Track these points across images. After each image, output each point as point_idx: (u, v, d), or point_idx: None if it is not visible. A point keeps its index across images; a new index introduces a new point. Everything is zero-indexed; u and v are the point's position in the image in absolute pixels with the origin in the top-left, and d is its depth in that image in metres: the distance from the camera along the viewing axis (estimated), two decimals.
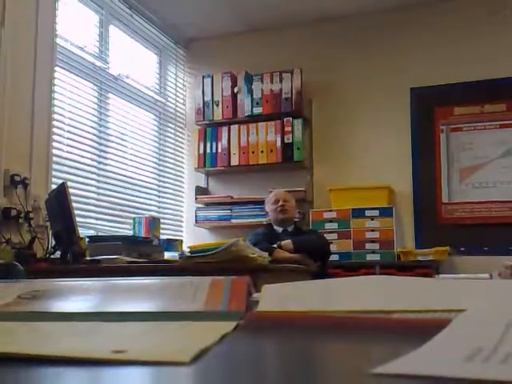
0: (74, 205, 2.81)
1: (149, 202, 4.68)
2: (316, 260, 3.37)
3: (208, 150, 4.79)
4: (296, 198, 4.05)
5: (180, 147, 5.12)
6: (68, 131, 3.81)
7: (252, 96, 4.70)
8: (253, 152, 4.65)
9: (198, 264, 2.41)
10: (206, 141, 4.81)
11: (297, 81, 4.59)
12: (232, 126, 4.73)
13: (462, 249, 4.28)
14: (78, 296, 0.65)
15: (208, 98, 4.81)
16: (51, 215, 2.88)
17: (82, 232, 3.19)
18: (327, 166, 4.69)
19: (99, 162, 4.15)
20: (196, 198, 4.86)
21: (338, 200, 4.44)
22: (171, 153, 5.01)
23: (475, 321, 0.42)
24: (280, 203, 3.69)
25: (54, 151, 3.57)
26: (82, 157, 3.96)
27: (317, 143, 4.75)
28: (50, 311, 0.60)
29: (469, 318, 0.43)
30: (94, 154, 4.10)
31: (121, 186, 4.33)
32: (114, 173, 4.27)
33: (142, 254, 2.82)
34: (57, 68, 3.62)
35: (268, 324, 0.53)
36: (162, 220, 3.95)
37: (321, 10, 4.63)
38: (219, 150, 4.75)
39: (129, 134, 4.50)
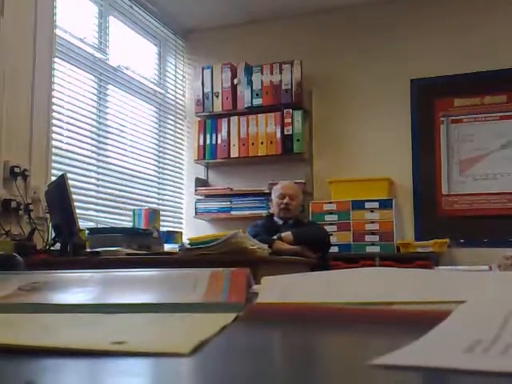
0: (74, 196, 2.81)
1: (148, 193, 4.68)
2: (316, 252, 3.37)
3: (208, 142, 4.78)
4: None
5: (180, 139, 5.11)
6: (67, 123, 3.81)
7: (252, 87, 4.68)
8: (252, 144, 4.64)
9: (197, 256, 2.42)
10: (205, 132, 4.80)
11: (297, 72, 4.58)
12: (232, 118, 4.72)
13: (462, 240, 4.28)
14: (77, 288, 0.65)
15: (208, 89, 4.80)
16: (51, 207, 2.88)
17: (82, 224, 3.19)
18: (327, 157, 4.69)
19: (99, 154, 4.15)
20: (196, 190, 4.85)
21: (338, 192, 4.44)
22: (171, 144, 5.00)
23: (475, 312, 0.42)
24: (285, 201, 3.57)
25: (54, 143, 3.57)
26: (82, 148, 3.96)
27: (317, 135, 4.74)
28: (50, 303, 0.60)
29: (468, 310, 0.43)
30: (94, 146, 4.10)
31: (120, 178, 4.32)
32: (114, 164, 4.27)
33: (141, 245, 2.82)
34: (56, 59, 3.61)
35: (267, 316, 0.53)
36: (161, 212, 3.94)
37: (321, 0, 4.61)
38: (219, 142, 4.75)
39: (128, 125, 4.49)
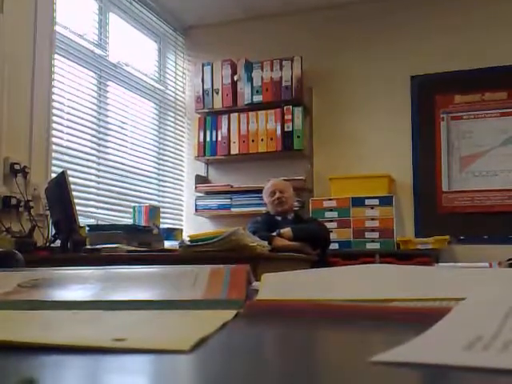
0: (74, 193, 2.81)
1: (149, 190, 4.68)
2: (316, 248, 3.37)
3: (208, 139, 4.78)
4: (296, 187, 4.04)
5: (180, 136, 5.11)
6: (67, 119, 3.81)
7: (252, 84, 4.68)
8: (253, 140, 4.64)
9: (197, 253, 2.42)
10: (205, 129, 4.80)
11: (297, 69, 4.57)
12: (232, 115, 4.72)
13: (462, 237, 4.28)
14: (78, 285, 0.65)
15: (208, 86, 4.79)
16: (51, 204, 2.88)
17: (82, 221, 3.20)
18: (327, 154, 4.69)
19: (99, 151, 4.14)
20: (196, 187, 4.85)
21: (338, 189, 4.44)
22: (171, 141, 5.00)
23: (475, 309, 0.42)
24: (277, 195, 3.63)
25: (54, 140, 3.57)
26: (82, 145, 3.96)
27: (317, 131, 4.74)
28: (50, 300, 0.60)
29: (468, 307, 0.43)
30: (94, 143, 4.09)
31: (121, 175, 4.32)
32: (114, 161, 4.27)
33: (142, 242, 2.82)
34: (56, 56, 3.60)
35: (267, 312, 0.53)
36: (161, 209, 3.95)
37: None
38: (219, 139, 4.75)
39: (128, 122, 4.49)
